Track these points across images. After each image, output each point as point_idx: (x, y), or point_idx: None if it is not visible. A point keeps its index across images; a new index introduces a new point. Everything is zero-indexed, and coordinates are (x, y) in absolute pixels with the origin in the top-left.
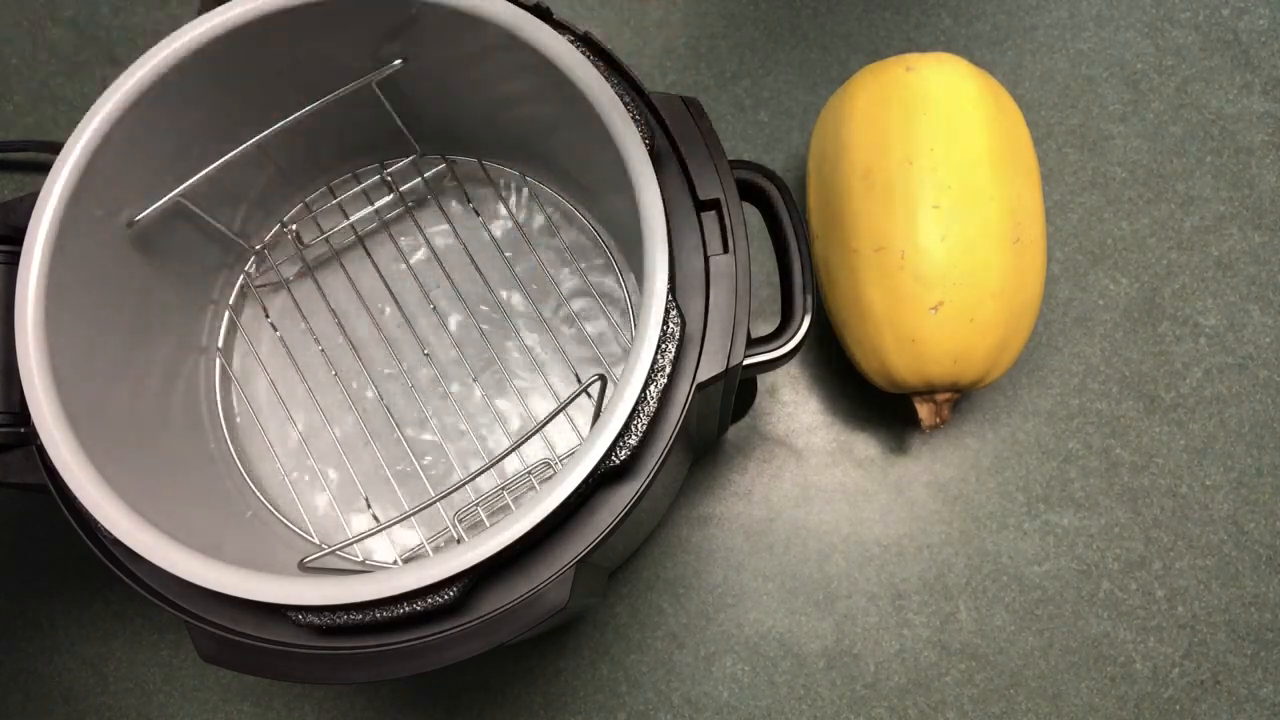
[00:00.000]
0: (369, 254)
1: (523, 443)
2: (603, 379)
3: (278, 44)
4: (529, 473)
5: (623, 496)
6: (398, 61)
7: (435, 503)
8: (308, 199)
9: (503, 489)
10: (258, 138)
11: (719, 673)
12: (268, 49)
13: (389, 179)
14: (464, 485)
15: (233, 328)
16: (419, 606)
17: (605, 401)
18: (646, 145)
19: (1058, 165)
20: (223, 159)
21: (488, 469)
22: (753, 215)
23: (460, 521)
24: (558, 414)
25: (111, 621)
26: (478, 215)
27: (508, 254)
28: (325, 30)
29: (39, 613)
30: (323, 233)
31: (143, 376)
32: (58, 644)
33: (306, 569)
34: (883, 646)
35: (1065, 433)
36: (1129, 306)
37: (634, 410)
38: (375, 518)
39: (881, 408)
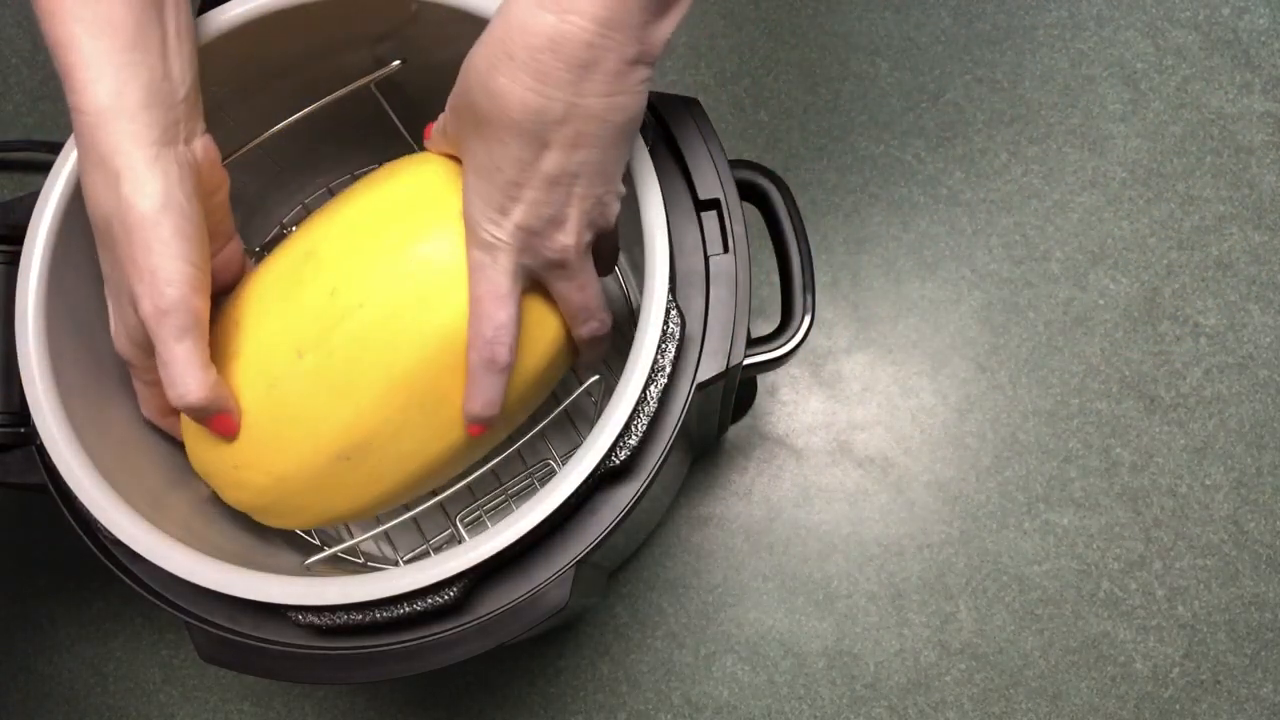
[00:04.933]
0: None
1: (520, 441)
2: (602, 379)
3: (277, 44)
4: (529, 473)
5: (623, 496)
6: (396, 62)
7: (435, 502)
8: (306, 200)
9: (503, 489)
10: (258, 139)
11: (719, 673)
12: (267, 49)
13: None
14: (464, 485)
15: None
16: (419, 607)
17: (604, 401)
18: (647, 145)
19: (1058, 165)
20: (224, 160)
21: (487, 468)
22: (753, 215)
23: (461, 521)
24: (556, 413)
25: (111, 621)
26: None
27: None
28: (324, 30)
29: (39, 613)
30: None
31: None
32: (58, 644)
33: (308, 569)
34: (883, 646)
35: (1065, 433)
36: (1129, 306)
37: (634, 410)
38: (376, 518)
39: (882, 407)
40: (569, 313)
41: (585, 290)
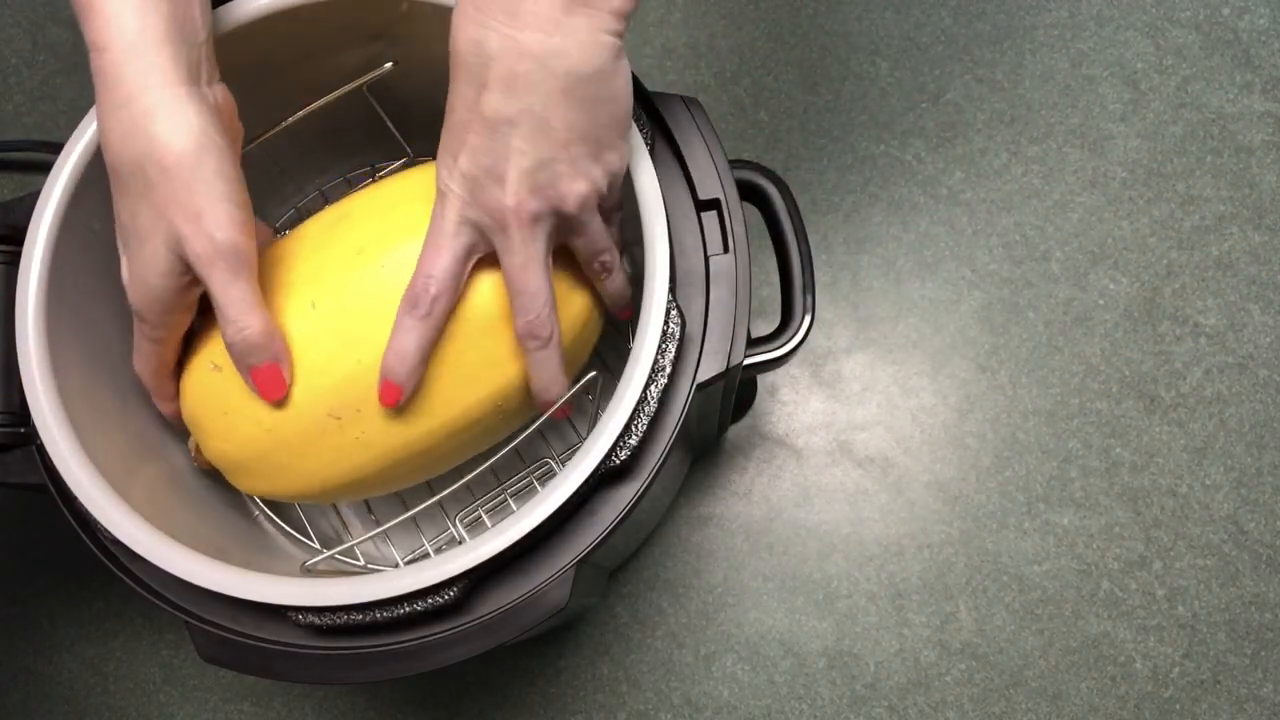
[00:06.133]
0: None
1: (519, 440)
2: (599, 376)
3: (275, 43)
4: (528, 471)
5: (623, 496)
6: (388, 64)
7: (434, 501)
8: (300, 204)
9: (502, 487)
10: (256, 141)
11: (719, 672)
12: (266, 49)
13: None
14: (462, 484)
15: None
16: (419, 607)
17: (602, 399)
18: (647, 145)
19: (1058, 165)
20: None
21: (485, 466)
22: (753, 215)
23: (460, 521)
24: (554, 410)
25: (111, 621)
26: None
27: None
28: (321, 29)
29: (39, 613)
30: None
31: None
32: (58, 644)
33: (307, 571)
34: (883, 646)
35: (1065, 433)
36: (1129, 306)
37: (635, 410)
38: (375, 519)
39: (882, 407)
40: (509, 292)
41: (526, 271)
